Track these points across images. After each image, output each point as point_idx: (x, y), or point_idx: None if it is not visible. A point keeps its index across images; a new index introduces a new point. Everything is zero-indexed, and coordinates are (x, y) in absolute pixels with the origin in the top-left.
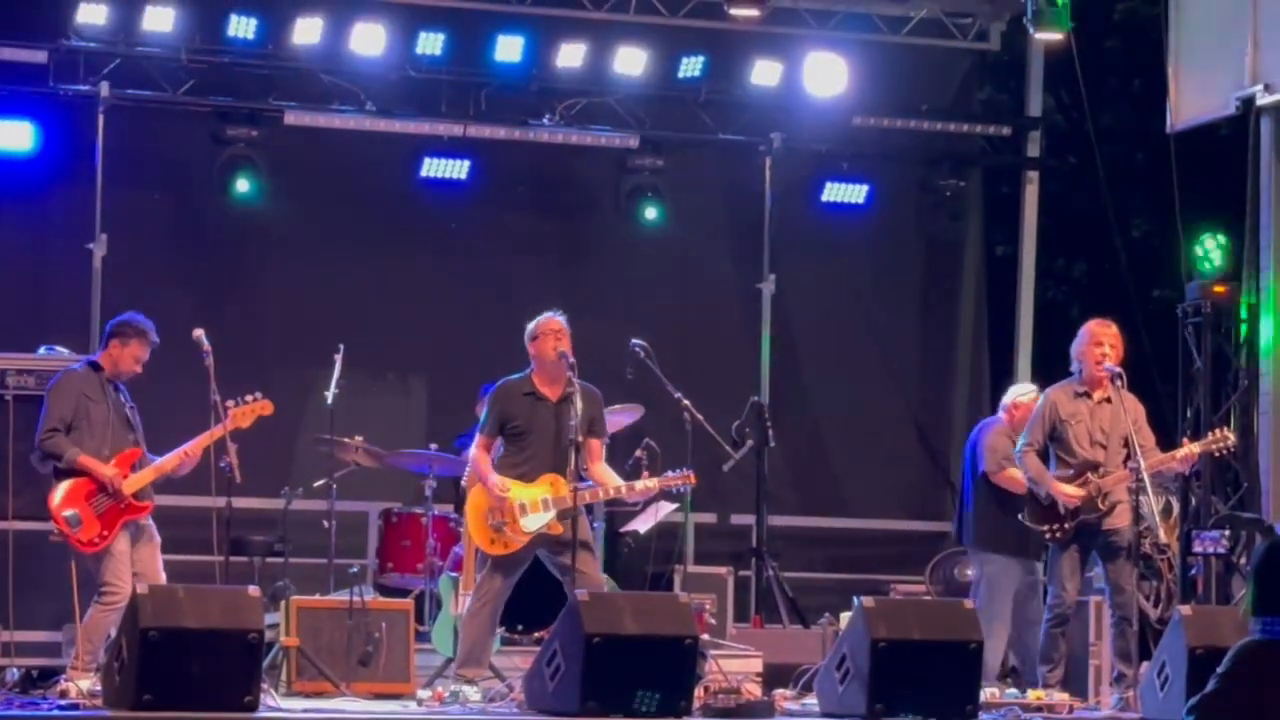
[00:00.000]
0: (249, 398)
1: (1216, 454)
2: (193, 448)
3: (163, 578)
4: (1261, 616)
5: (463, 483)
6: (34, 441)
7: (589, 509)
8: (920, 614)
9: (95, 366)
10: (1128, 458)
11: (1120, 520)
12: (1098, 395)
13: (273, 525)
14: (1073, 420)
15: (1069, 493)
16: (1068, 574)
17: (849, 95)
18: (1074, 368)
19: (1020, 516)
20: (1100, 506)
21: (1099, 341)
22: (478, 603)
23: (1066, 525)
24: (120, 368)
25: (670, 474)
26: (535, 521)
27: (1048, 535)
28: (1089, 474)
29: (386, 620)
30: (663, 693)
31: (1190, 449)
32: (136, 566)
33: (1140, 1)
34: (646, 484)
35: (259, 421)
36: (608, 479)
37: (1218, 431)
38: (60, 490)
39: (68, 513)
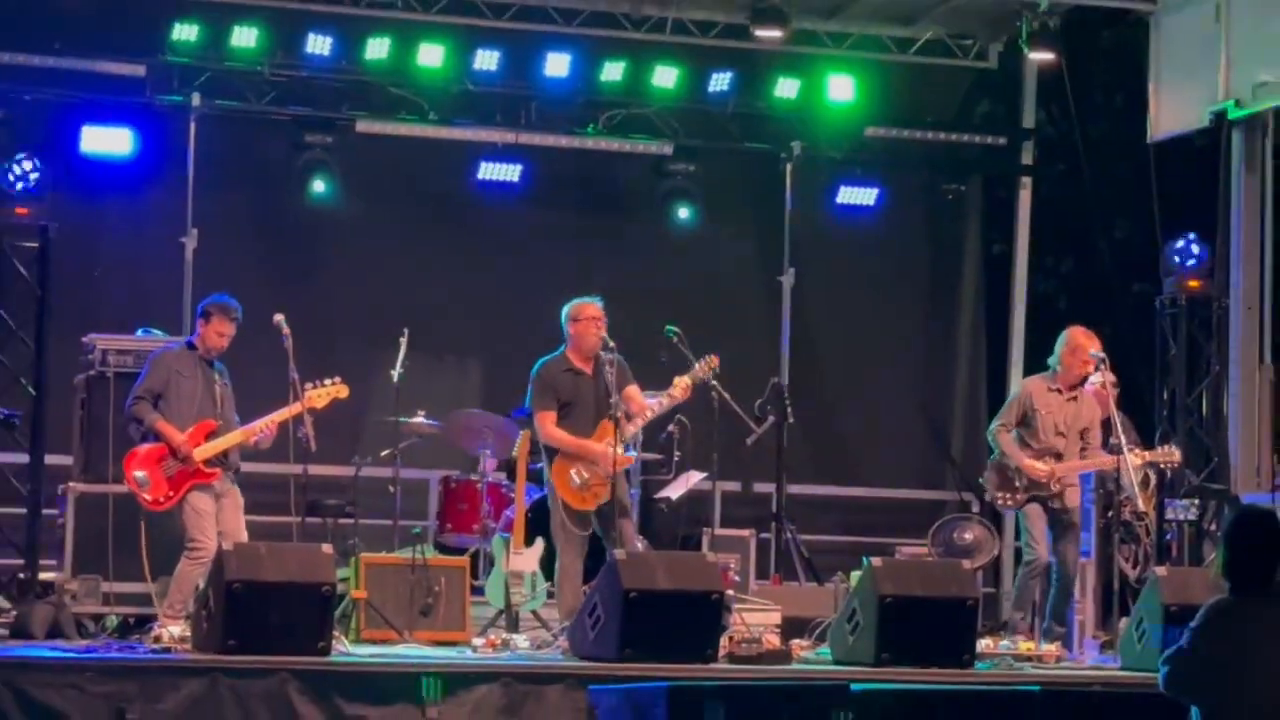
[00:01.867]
0: (327, 381)
1: (1163, 466)
2: (265, 423)
3: (244, 535)
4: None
5: (513, 453)
6: (124, 406)
7: (626, 476)
8: (923, 573)
9: (192, 346)
10: (1083, 449)
11: (1072, 500)
12: (1068, 393)
13: (344, 490)
14: (1043, 410)
15: (1038, 467)
16: (1039, 534)
17: (862, 108)
18: (1051, 361)
19: (980, 481)
20: (1053, 487)
21: (1086, 356)
22: (572, 562)
23: (1019, 496)
24: (208, 344)
25: (696, 366)
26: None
27: (1000, 502)
28: (1048, 458)
29: (445, 575)
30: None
31: (1141, 455)
32: (221, 526)
33: (1124, 27)
34: (682, 384)
35: (313, 381)
36: (646, 404)
37: (1166, 448)
38: (135, 452)
39: (138, 473)
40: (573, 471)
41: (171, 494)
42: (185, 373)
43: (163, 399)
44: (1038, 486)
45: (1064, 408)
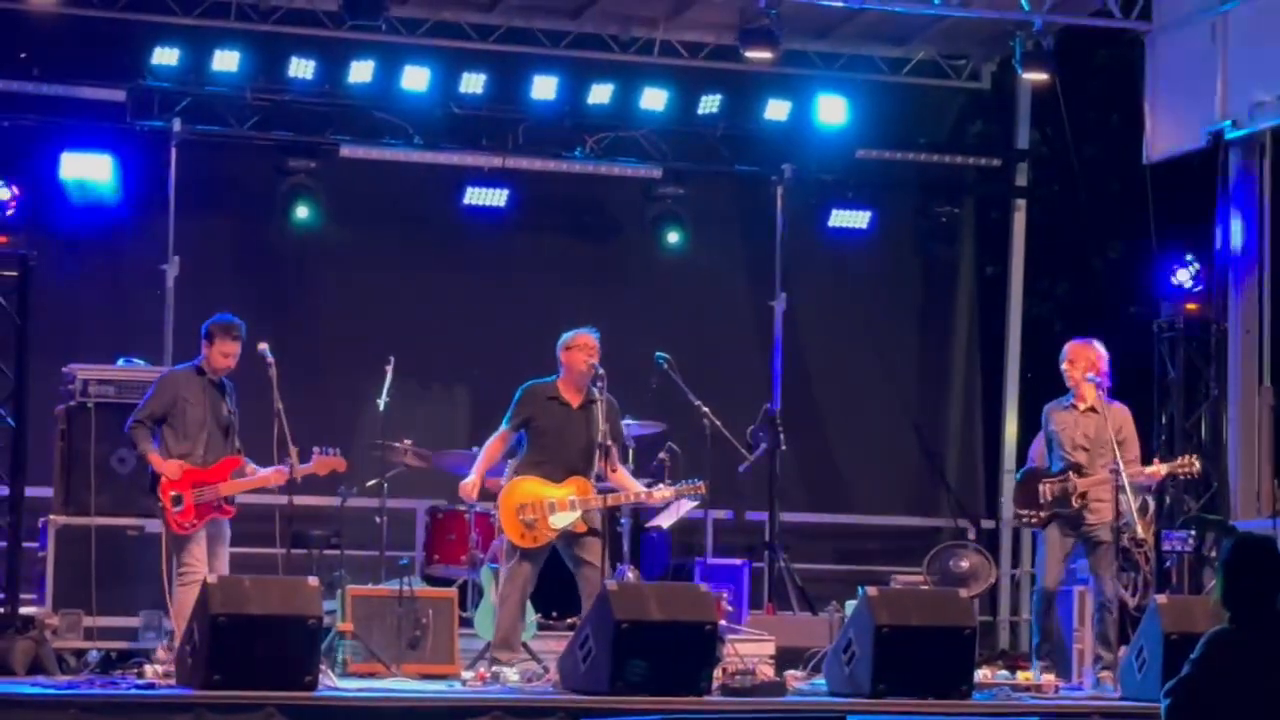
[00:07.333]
0: (331, 451)
1: (1182, 476)
2: (275, 473)
3: (225, 570)
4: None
5: (502, 481)
6: (123, 426)
7: (615, 508)
8: (919, 602)
9: (200, 370)
10: (1114, 462)
11: (1099, 516)
12: (1083, 406)
13: (330, 521)
14: (1059, 428)
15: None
16: (1050, 562)
17: (853, 130)
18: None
19: (1009, 501)
20: (1073, 504)
21: (1073, 360)
22: (511, 589)
23: (1042, 514)
24: (214, 365)
25: (684, 484)
26: (563, 519)
27: (1024, 520)
28: (1070, 474)
29: (433, 607)
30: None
31: (1158, 468)
32: (209, 558)
33: (1119, 46)
34: (663, 492)
35: (321, 448)
36: (630, 484)
37: (1185, 458)
38: (172, 472)
39: (175, 493)
40: (522, 506)
41: (196, 521)
42: (192, 399)
43: (166, 424)
44: (1060, 504)
45: (1081, 422)
